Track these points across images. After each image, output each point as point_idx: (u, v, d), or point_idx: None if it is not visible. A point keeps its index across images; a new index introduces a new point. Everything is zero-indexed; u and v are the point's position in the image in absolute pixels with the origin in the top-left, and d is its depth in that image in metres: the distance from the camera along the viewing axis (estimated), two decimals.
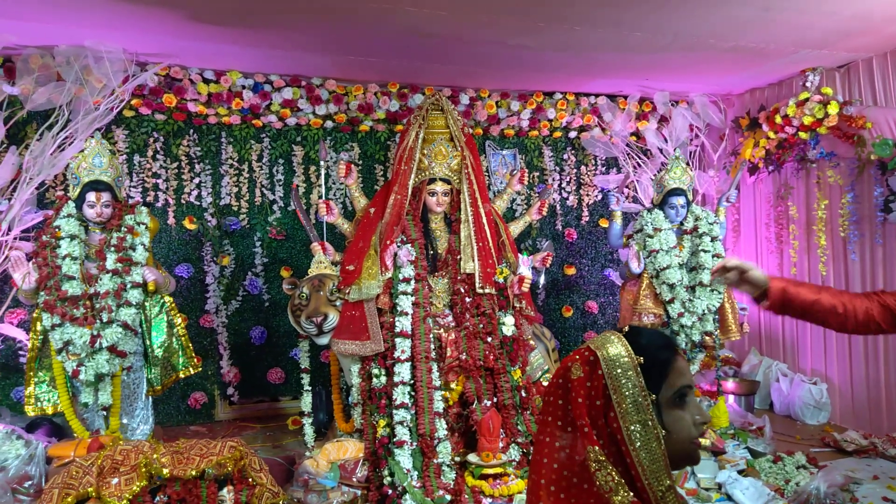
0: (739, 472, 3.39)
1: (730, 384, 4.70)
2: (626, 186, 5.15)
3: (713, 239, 4.12)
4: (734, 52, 4.14)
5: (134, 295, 3.33)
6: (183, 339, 3.59)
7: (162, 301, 3.55)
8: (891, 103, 4.08)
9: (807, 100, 4.36)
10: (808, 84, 4.51)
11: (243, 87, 4.50)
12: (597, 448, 1.11)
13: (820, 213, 4.63)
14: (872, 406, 4.30)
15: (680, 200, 4.13)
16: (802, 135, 4.51)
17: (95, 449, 2.84)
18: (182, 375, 3.62)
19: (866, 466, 3.66)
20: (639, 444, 1.11)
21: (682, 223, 4.19)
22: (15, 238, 3.65)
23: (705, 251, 4.07)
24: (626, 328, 1.22)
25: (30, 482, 2.93)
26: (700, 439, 1.23)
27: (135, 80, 4.06)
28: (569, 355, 1.22)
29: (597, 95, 5.22)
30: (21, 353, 3.99)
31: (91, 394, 3.24)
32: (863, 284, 4.35)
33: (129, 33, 3.75)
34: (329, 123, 4.80)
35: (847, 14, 3.47)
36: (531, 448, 3.40)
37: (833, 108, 4.20)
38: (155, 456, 2.57)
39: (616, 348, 1.16)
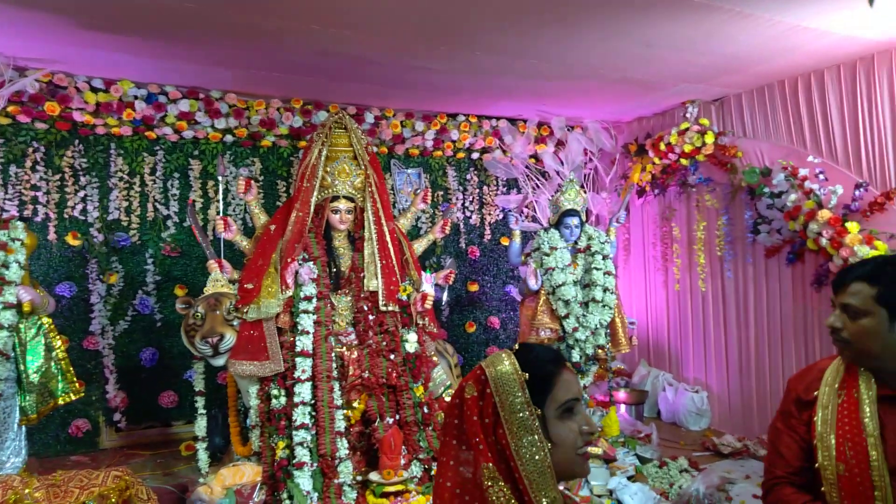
0: (629, 478, 3.58)
1: (621, 394, 4.96)
2: (526, 206, 5.35)
3: (605, 257, 4.35)
4: (622, 83, 4.43)
5: (6, 317, 3.08)
6: (63, 362, 3.34)
7: (39, 322, 3.30)
8: (758, 135, 4.50)
9: (687, 129, 4.73)
10: (687, 115, 4.90)
11: (135, 97, 4.29)
12: (490, 465, 1.13)
13: (699, 234, 5.01)
14: (746, 411, 4.68)
15: (574, 221, 4.34)
16: (683, 161, 4.89)
17: None
18: (62, 402, 3.37)
19: (740, 467, 3.97)
20: (526, 458, 1.14)
21: (576, 242, 4.41)
22: None
23: (597, 269, 4.29)
24: (517, 346, 1.26)
25: None
26: (591, 448, 1.28)
27: (12, 86, 3.79)
28: (468, 375, 1.25)
29: (498, 118, 5.41)
30: None
31: None
32: (736, 299, 4.74)
33: (7, 35, 3.50)
34: (229, 137, 4.67)
35: (719, 53, 3.81)
36: (433, 464, 3.43)
37: (709, 138, 4.59)
38: (27, 491, 2.36)
39: (504, 366, 1.20)
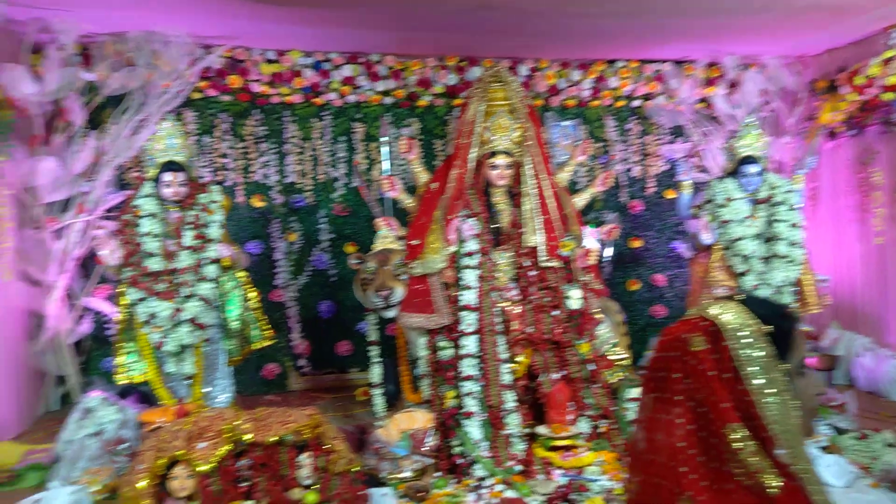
0: (822, 449, 3.27)
1: (810, 359, 4.53)
2: (694, 155, 4.98)
3: (791, 208, 3.93)
4: (810, 11, 3.92)
5: (210, 270, 3.46)
6: (256, 312, 3.71)
7: (236, 276, 3.67)
8: None
9: (892, 58, 4.10)
10: (892, 42, 4.23)
11: (304, 65, 4.56)
12: (738, 425, 1.06)
13: None
14: None
15: (754, 168, 3.94)
16: (888, 96, 4.26)
17: (181, 416, 2.99)
18: (256, 347, 3.75)
19: None
20: (777, 417, 1.06)
21: (755, 192, 4.02)
22: (99, 217, 3.85)
23: (781, 221, 3.89)
24: (742, 297, 1.17)
25: (124, 445, 3.14)
26: None
27: (201, 63, 4.18)
28: (675, 326, 1.16)
29: (662, 62, 5.05)
30: (108, 325, 4.22)
31: (175, 364, 3.40)
32: None
33: (194, 17, 3.86)
34: (388, 99, 4.83)
35: None
36: (600, 421, 3.38)
37: None
38: (237, 422, 2.68)
39: (738, 317, 1.11)
